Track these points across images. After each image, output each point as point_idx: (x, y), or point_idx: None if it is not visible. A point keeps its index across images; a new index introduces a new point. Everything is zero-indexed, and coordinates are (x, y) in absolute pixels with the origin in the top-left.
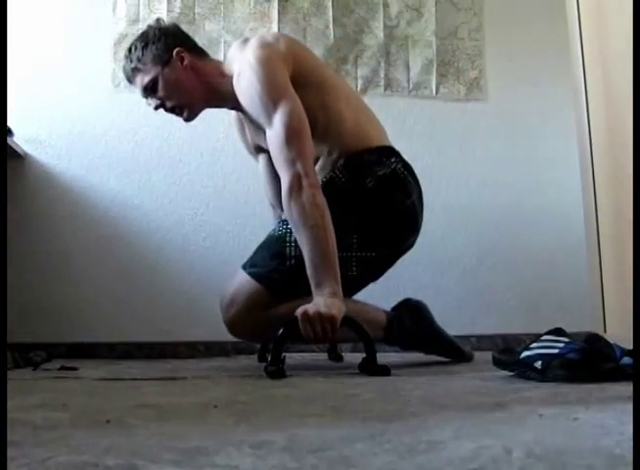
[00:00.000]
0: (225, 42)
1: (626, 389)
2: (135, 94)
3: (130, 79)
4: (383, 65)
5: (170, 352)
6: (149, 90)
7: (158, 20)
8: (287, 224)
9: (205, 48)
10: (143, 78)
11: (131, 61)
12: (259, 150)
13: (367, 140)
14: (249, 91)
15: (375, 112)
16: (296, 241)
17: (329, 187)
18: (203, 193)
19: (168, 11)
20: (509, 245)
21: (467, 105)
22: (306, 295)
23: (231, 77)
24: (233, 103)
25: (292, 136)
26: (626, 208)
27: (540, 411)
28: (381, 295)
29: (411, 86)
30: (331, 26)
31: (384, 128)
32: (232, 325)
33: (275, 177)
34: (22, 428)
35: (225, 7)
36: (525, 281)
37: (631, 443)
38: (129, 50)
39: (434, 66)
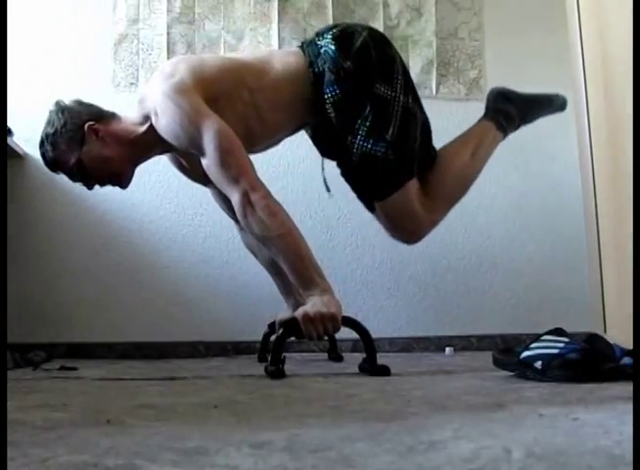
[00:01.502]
0: (225, 42)
1: (626, 389)
2: (135, 94)
3: (54, 169)
4: None
5: (170, 352)
6: (77, 174)
7: (57, 102)
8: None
9: (205, 48)
10: (68, 165)
11: (48, 151)
12: (208, 178)
13: (297, 65)
14: (169, 127)
15: None
16: (368, 141)
17: (339, 103)
18: (203, 193)
19: (168, 11)
20: (509, 245)
21: (467, 105)
22: (431, 159)
23: (149, 120)
24: (162, 146)
25: (225, 156)
26: (626, 207)
27: (540, 411)
28: (382, 295)
29: None
30: None
31: (278, 50)
32: (428, 231)
33: (226, 198)
34: (22, 428)
35: (225, 7)
36: (525, 281)
37: (631, 443)
38: (41, 142)
39: (434, 66)
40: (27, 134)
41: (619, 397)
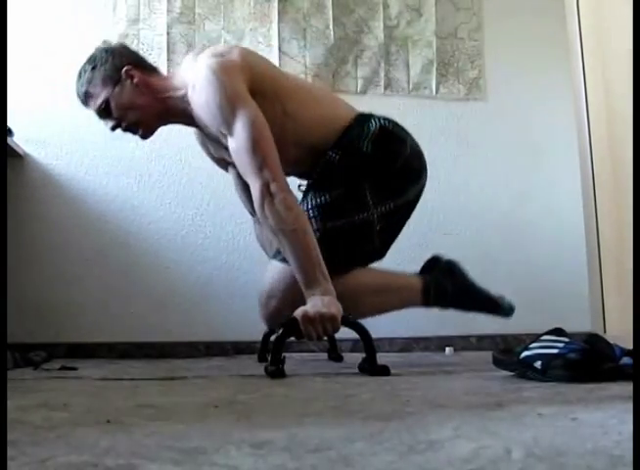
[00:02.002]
0: (225, 42)
1: (626, 389)
2: None
3: (84, 103)
4: (383, 65)
5: (170, 352)
6: (103, 112)
7: (104, 41)
8: (305, 203)
9: (205, 48)
10: (96, 101)
11: (82, 85)
12: (226, 163)
13: (340, 122)
14: (207, 102)
15: (375, 112)
16: (316, 216)
17: (327, 169)
18: (203, 193)
19: (168, 11)
20: (509, 245)
21: (467, 105)
22: (340, 265)
23: (185, 90)
24: (188, 119)
25: (254, 144)
26: (626, 207)
27: (540, 411)
28: None
29: (411, 86)
30: (331, 26)
31: (344, 100)
32: (274, 318)
33: (247, 187)
34: (22, 428)
35: (225, 7)
36: (525, 281)
37: (631, 443)
38: (79, 74)
39: (434, 66)
40: (27, 134)
41: (619, 396)
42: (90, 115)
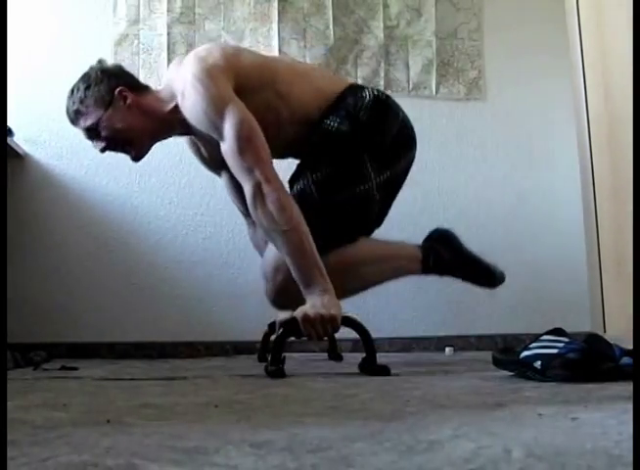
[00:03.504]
0: (225, 42)
1: (626, 389)
2: None
3: (73, 121)
4: (383, 65)
5: (170, 353)
6: (92, 132)
7: (99, 61)
8: (302, 181)
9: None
10: (86, 120)
11: (74, 103)
12: (218, 167)
13: (332, 90)
14: (194, 109)
15: None
16: (315, 191)
17: (329, 138)
18: (202, 193)
19: (168, 11)
20: (509, 245)
21: (467, 105)
22: (343, 238)
23: (176, 101)
24: (183, 128)
25: (244, 145)
26: (626, 207)
27: (540, 411)
28: (382, 295)
29: (411, 86)
30: (331, 26)
31: (335, 74)
32: (281, 294)
33: (239, 189)
34: (22, 428)
35: (225, 7)
36: (525, 281)
37: (630, 442)
38: (72, 91)
39: (434, 66)
40: (27, 134)
41: (619, 396)
42: None
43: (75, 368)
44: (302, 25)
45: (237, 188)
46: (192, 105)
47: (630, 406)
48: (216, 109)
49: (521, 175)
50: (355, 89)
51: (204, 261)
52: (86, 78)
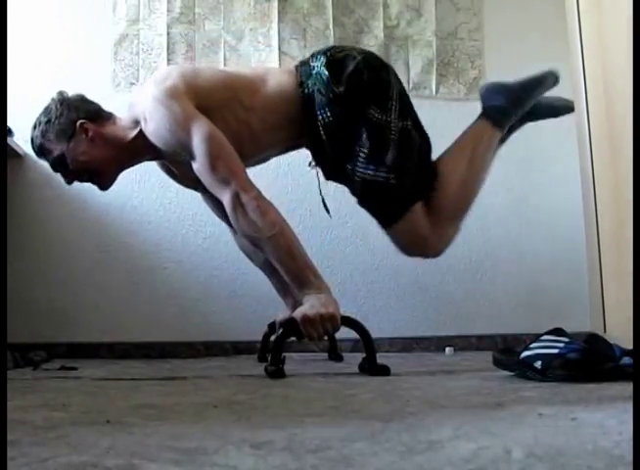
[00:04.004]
0: (225, 42)
1: (626, 389)
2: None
3: (38, 154)
4: None
5: (170, 353)
6: (58, 166)
7: (60, 92)
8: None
9: (205, 48)
10: (51, 155)
11: (37, 137)
12: (197, 182)
13: (289, 80)
14: (159, 131)
15: None
16: (373, 169)
17: (330, 131)
18: None
19: (168, 11)
20: (509, 245)
21: (467, 105)
22: (429, 184)
23: (139, 126)
24: (150, 153)
25: (214, 160)
26: (626, 207)
27: (540, 411)
28: (382, 295)
29: (411, 86)
30: (331, 26)
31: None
32: (446, 245)
33: (218, 202)
34: (22, 428)
35: (225, 7)
36: (525, 281)
37: (630, 443)
38: (34, 125)
39: (434, 66)
40: (27, 134)
41: (619, 396)
42: None
43: (75, 368)
44: (302, 25)
45: (216, 202)
46: (156, 127)
47: (630, 406)
48: (180, 127)
49: (521, 175)
50: (304, 68)
51: (204, 261)
52: (47, 112)
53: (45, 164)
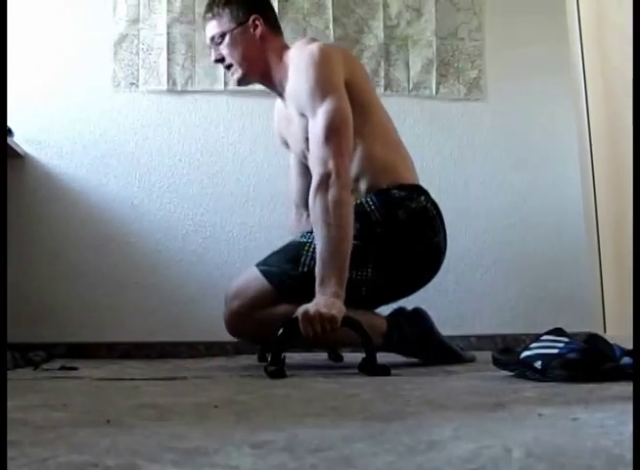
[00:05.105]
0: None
1: (626, 389)
2: (135, 94)
3: (205, 22)
4: (383, 65)
5: (170, 353)
6: (214, 41)
7: None
8: (310, 235)
9: (205, 48)
10: (214, 28)
11: (212, 7)
12: (287, 146)
13: (397, 178)
14: (300, 79)
15: None
16: (313, 250)
17: (358, 210)
18: (203, 193)
19: (168, 11)
20: (509, 245)
21: (467, 105)
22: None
23: (287, 66)
24: (280, 90)
25: (331, 133)
26: (626, 207)
27: (540, 411)
28: None
29: (411, 86)
30: (331, 26)
31: (414, 166)
32: (233, 319)
33: (302, 175)
34: (22, 428)
35: None
36: (525, 281)
37: (631, 443)
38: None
39: (434, 66)
40: (27, 134)
41: (619, 397)
42: (90, 114)
43: (75, 368)
44: (302, 25)
45: (301, 173)
46: (300, 75)
47: (630, 406)
48: (321, 89)
49: (521, 175)
50: (415, 191)
51: (204, 261)
52: None
53: (45, 165)
